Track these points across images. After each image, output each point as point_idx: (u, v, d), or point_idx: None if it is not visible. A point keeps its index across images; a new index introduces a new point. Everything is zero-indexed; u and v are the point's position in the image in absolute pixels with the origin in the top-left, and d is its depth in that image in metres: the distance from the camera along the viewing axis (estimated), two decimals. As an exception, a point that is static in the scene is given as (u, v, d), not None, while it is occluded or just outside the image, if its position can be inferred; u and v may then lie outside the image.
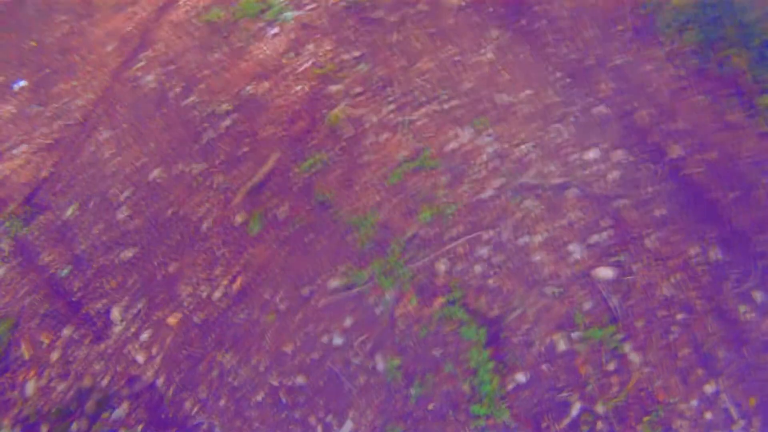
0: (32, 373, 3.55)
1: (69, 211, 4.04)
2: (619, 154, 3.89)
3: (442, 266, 3.48)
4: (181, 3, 5.56)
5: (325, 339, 3.33)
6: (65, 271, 3.77)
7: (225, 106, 4.31)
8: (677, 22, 4.84)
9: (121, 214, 3.95)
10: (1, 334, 3.67)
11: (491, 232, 3.57)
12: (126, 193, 4.02)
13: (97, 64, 5.30)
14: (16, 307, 3.78)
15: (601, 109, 4.17)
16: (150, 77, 4.80)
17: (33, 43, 5.92)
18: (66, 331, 3.63)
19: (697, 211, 3.61)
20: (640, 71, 4.52)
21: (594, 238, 3.51)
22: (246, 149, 4.04)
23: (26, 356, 3.58)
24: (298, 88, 4.39)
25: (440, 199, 3.69)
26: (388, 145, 3.96)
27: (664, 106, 4.25)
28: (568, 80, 4.39)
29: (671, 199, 3.65)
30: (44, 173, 4.38)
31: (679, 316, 3.29)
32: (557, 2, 5.08)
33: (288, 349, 3.33)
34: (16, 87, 5.45)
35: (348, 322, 3.37)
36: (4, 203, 4.27)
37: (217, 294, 3.55)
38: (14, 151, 4.70)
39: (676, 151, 3.98)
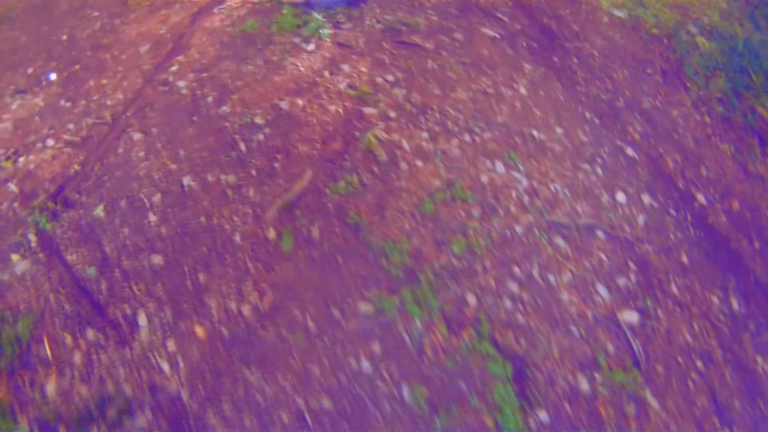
0: (54, 373, 3.54)
1: (96, 211, 4.02)
2: (645, 199, 3.94)
3: (471, 298, 3.51)
4: (215, 11, 5.57)
5: (353, 363, 3.34)
6: (91, 271, 3.75)
7: (258, 120, 4.33)
8: (705, 69, 4.92)
9: (151, 219, 3.92)
10: (23, 330, 3.62)
11: (520, 268, 3.58)
12: (156, 198, 4.00)
13: (128, 65, 5.29)
14: (39, 304, 3.75)
15: (629, 152, 4.22)
16: (182, 83, 4.80)
17: (64, 38, 5.93)
18: (90, 333, 3.60)
19: (720, 260, 3.68)
20: (668, 116, 4.58)
21: (620, 281, 3.56)
22: (279, 165, 4.05)
23: (48, 355, 3.53)
24: (333, 107, 4.41)
25: (471, 232, 3.72)
26: (421, 173, 3.99)
27: (690, 153, 4.31)
28: (597, 121, 4.45)
29: (695, 246, 3.73)
30: (72, 170, 4.37)
31: (699, 364, 3.33)
32: (589, 41, 5.15)
33: (315, 370, 3.34)
34: (45, 80, 5.41)
35: (376, 347, 3.39)
36: (30, 196, 4.25)
37: (246, 308, 3.55)
38: (41, 145, 4.68)
39: (700, 199, 4.03)
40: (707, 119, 4.74)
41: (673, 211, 4.03)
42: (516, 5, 5.66)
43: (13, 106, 5.25)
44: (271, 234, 3.77)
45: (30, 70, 5.66)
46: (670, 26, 5.54)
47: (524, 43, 5.10)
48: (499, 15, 5.47)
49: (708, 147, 4.51)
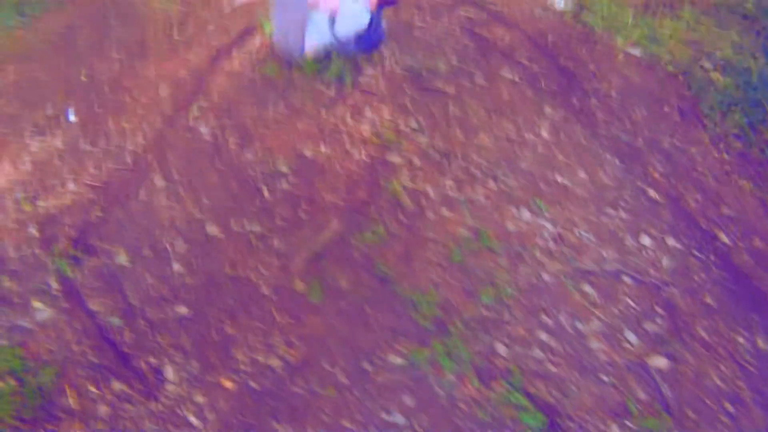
0: (78, 425, 3.50)
1: (119, 258, 4.01)
2: (669, 241, 3.94)
3: (502, 348, 3.50)
4: (234, 54, 5.58)
5: (385, 416, 3.33)
6: (115, 321, 3.73)
7: (282, 167, 4.32)
8: (721, 105, 4.93)
9: (175, 268, 3.90)
10: (46, 380, 3.60)
11: (549, 316, 3.57)
12: (180, 247, 3.99)
13: (148, 108, 5.30)
14: (63, 353, 3.74)
15: (652, 193, 4.22)
16: (204, 128, 4.80)
17: (83, 77, 5.93)
18: (115, 384, 3.58)
19: (745, 300, 3.68)
20: (687, 155, 4.59)
21: (648, 326, 3.56)
22: (304, 214, 4.05)
23: (73, 407, 3.50)
24: (357, 154, 4.41)
25: (500, 281, 3.71)
26: (448, 221, 3.99)
27: (710, 192, 4.32)
28: (619, 162, 4.46)
29: (720, 286, 3.75)
30: (93, 215, 4.36)
31: (728, 406, 3.33)
32: (606, 81, 5.17)
33: (347, 424, 3.33)
34: (65, 120, 5.42)
35: (408, 400, 3.37)
36: (51, 241, 4.24)
37: (274, 361, 3.54)
38: (62, 188, 4.67)
39: (722, 238, 4.03)
40: (725, 156, 4.75)
41: (696, 252, 4.03)
42: (534, 46, 5.69)
43: (33, 147, 5.26)
44: (299, 285, 3.74)
45: (49, 109, 5.67)
46: (684, 62, 5.56)
47: (544, 86, 5.11)
48: (518, 57, 5.49)
49: (727, 184, 4.51)
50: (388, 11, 6.15)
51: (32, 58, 6.60)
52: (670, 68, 5.51)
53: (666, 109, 5.18)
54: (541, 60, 5.57)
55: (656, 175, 4.54)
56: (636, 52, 5.77)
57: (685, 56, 5.66)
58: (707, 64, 5.64)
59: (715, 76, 5.42)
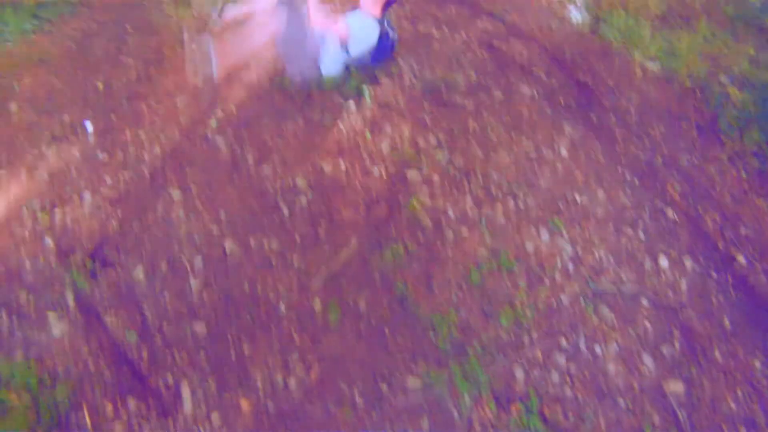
0: (94, 443, 3.48)
1: (136, 272, 4.01)
2: (687, 263, 3.93)
3: (519, 372, 3.50)
4: (252, 65, 5.57)
5: (402, 440, 3.27)
6: (132, 337, 3.71)
7: (300, 182, 4.32)
8: (738, 121, 4.91)
9: (192, 284, 3.90)
10: (61, 396, 3.60)
11: (567, 340, 3.55)
12: (197, 262, 3.99)
13: (165, 117, 5.29)
14: (78, 369, 3.73)
15: (670, 213, 4.20)
16: (221, 140, 4.80)
17: (100, 85, 5.94)
18: (131, 402, 3.56)
19: (763, 323, 3.67)
20: (705, 173, 4.58)
21: (665, 349, 3.54)
22: (323, 231, 4.04)
23: (88, 425, 3.49)
24: (376, 170, 4.40)
25: (518, 303, 3.70)
26: (467, 241, 3.98)
27: (728, 211, 4.31)
28: (637, 181, 4.44)
29: (737, 309, 3.75)
30: (110, 227, 4.36)
31: (743, 431, 3.29)
32: (624, 96, 5.15)
33: (364, 446, 3.27)
34: (81, 129, 5.42)
35: (425, 423, 3.37)
36: (67, 252, 4.24)
37: (292, 381, 3.54)
38: (78, 199, 4.68)
39: (740, 259, 4.01)
40: (743, 174, 4.73)
41: (714, 274, 4.01)
42: (552, 61, 5.67)
43: (49, 155, 5.27)
44: (318, 305, 3.71)
45: (66, 118, 5.67)
46: (702, 77, 5.54)
47: (562, 101, 5.10)
48: (536, 71, 5.48)
49: (745, 204, 4.49)
50: (405, 23, 6.15)
51: (48, 64, 6.62)
52: (688, 83, 5.49)
53: (684, 125, 5.16)
54: (559, 75, 5.56)
55: (675, 195, 4.52)
56: (654, 66, 5.74)
57: (703, 71, 5.64)
58: (725, 79, 5.61)
59: (733, 91, 5.39)
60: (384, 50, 5.17)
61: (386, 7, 5.01)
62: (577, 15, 6.88)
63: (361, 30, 5.01)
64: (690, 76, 5.59)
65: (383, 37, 5.05)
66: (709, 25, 6.55)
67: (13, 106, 5.87)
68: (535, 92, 5.21)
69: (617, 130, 5.02)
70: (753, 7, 7.38)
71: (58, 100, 5.88)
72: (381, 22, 5.08)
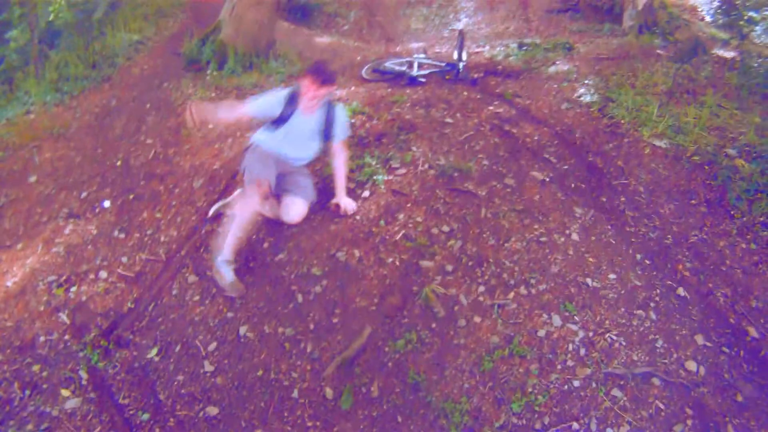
0: None
1: (151, 354, 4.05)
2: (699, 339, 4.00)
3: (532, 459, 3.43)
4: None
5: None
6: (144, 417, 3.73)
7: (316, 270, 4.38)
8: (747, 193, 5.00)
9: (206, 368, 3.94)
10: (75, 477, 3.58)
11: (579, 423, 3.59)
12: (211, 346, 4.04)
13: (182, 199, 5.40)
14: (91, 447, 3.66)
15: (681, 291, 4.26)
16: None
17: (119, 163, 6.08)
18: (144, 483, 3.52)
19: (775, 396, 3.64)
20: (715, 248, 4.66)
21: (677, 429, 3.60)
22: (337, 319, 4.09)
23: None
24: (390, 260, 4.47)
25: (530, 388, 3.74)
26: (480, 329, 4.02)
27: (739, 285, 4.37)
28: (648, 262, 4.51)
29: (750, 382, 3.78)
30: (125, 307, 4.42)
31: None
32: (634, 176, 5.26)
33: None
34: (99, 206, 5.52)
35: None
36: (81, 330, 4.29)
37: (304, 469, 3.49)
38: (94, 276, 4.74)
39: (752, 332, 4.05)
40: (753, 246, 4.79)
41: (726, 349, 4.04)
42: (562, 143, 5.80)
43: (66, 231, 5.37)
44: (331, 392, 3.75)
45: (84, 194, 5.79)
46: (709, 151, 5.65)
47: (573, 185, 5.20)
48: (547, 155, 5.60)
49: (756, 275, 4.53)
50: (419, 110, 6.31)
51: (68, 138, 6.80)
52: (696, 158, 5.60)
53: (693, 201, 5.25)
54: (569, 158, 5.68)
55: (685, 273, 4.58)
56: (662, 143, 5.87)
57: (710, 144, 5.75)
58: (731, 152, 5.71)
59: (740, 163, 5.49)
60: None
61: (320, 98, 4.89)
62: (586, 96, 7.04)
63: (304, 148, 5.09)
64: (698, 152, 5.70)
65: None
66: (715, 97, 6.70)
67: (33, 179, 6.00)
68: (546, 177, 5.32)
69: (627, 211, 5.11)
70: (757, 74, 7.54)
71: (77, 175, 6.01)
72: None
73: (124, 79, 8.45)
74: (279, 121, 4.72)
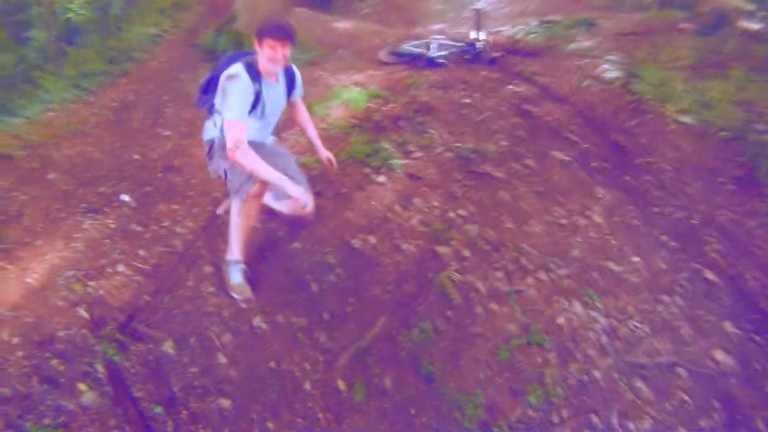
0: None
1: (165, 346, 4.01)
2: (727, 327, 3.82)
3: (549, 453, 3.33)
4: (285, 136, 5.65)
5: None
6: (158, 410, 3.70)
7: (330, 259, 4.31)
8: None
9: (220, 359, 3.89)
10: (89, 470, 3.56)
11: (599, 416, 3.48)
12: (225, 338, 4.00)
13: (199, 190, 5.38)
14: (104, 440, 3.63)
15: (708, 275, 4.09)
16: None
17: (136, 156, 6.06)
18: (157, 476, 3.49)
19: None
20: (744, 228, 4.49)
21: (703, 422, 3.39)
22: (351, 309, 4.03)
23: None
24: (405, 246, 4.38)
25: (548, 379, 3.63)
26: (496, 317, 3.92)
27: None
28: (674, 244, 4.35)
29: None
30: (142, 300, 4.39)
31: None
32: (659, 153, 5.10)
33: None
34: (117, 200, 5.51)
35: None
36: (99, 324, 4.27)
37: (315, 461, 3.43)
38: (112, 270, 4.72)
39: None
40: None
41: (756, 337, 3.88)
42: (584, 122, 5.65)
43: (85, 225, 5.36)
44: (343, 383, 3.69)
45: (102, 188, 5.77)
46: (737, 127, 5.46)
47: (595, 164, 5.06)
48: (568, 134, 5.45)
49: None
50: (438, 91, 6.19)
51: (87, 134, 6.81)
52: (723, 134, 5.43)
53: (720, 179, 5.07)
54: (592, 136, 5.53)
55: (713, 254, 4.43)
56: (687, 119, 5.69)
57: (737, 119, 5.56)
58: (760, 127, 5.51)
59: None
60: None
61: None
62: (609, 72, 6.87)
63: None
64: (725, 127, 5.51)
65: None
66: (741, 71, 6.48)
67: (52, 175, 6.01)
68: (567, 156, 5.18)
69: (652, 190, 4.95)
70: (785, 42, 7.30)
71: (96, 171, 6.00)
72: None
73: (141, 73, 8.47)
74: (253, 105, 3.99)
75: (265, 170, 3.82)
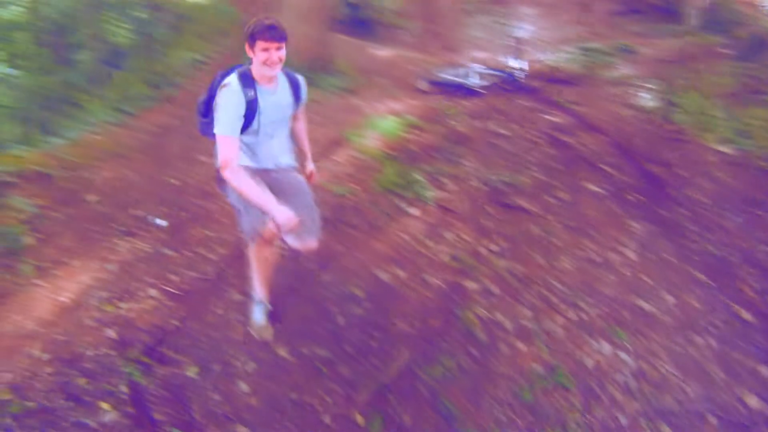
0: None
1: (190, 371, 4.01)
2: (763, 371, 3.65)
3: (571, 500, 3.25)
4: (319, 165, 5.67)
5: None
6: (177, 435, 3.67)
7: (358, 291, 4.30)
8: None
9: (242, 388, 3.90)
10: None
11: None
12: (249, 367, 4.01)
13: (231, 217, 5.42)
14: (122, 463, 3.62)
15: (745, 315, 3.97)
16: (283, 243, 4.85)
17: (174, 182, 6.14)
18: (174, 502, 3.49)
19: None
20: None
21: None
22: (375, 342, 4.01)
23: None
24: (434, 281, 4.36)
25: (572, 424, 3.54)
26: (522, 356, 3.86)
27: None
28: (710, 282, 4.24)
29: None
30: (171, 325, 4.42)
31: None
32: (697, 186, 4.99)
33: None
34: (153, 225, 5.59)
35: None
36: (126, 345, 4.32)
37: (331, 496, 3.40)
38: (144, 294, 4.78)
39: None
40: None
41: None
42: (621, 153, 5.58)
43: (120, 248, 5.43)
44: (360, 419, 3.66)
45: (139, 212, 5.86)
46: None
47: (630, 197, 4.97)
48: (604, 166, 5.37)
49: None
50: (475, 122, 6.16)
51: (126, 158, 6.94)
52: (763, 164, 5.27)
53: (760, 212, 4.93)
54: (628, 168, 5.45)
55: (750, 293, 4.30)
56: (727, 149, 5.57)
57: None
58: None
59: None
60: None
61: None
62: (648, 101, 6.79)
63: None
64: (765, 157, 5.36)
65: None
66: None
67: (91, 198, 6.13)
68: (602, 189, 5.10)
69: (689, 224, 4.84)
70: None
71: (133, 194, 6.11)
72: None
73: (183, 98, 8.61)
74: (248, 115, 3.63)
75: (255, 193, 3.52)
